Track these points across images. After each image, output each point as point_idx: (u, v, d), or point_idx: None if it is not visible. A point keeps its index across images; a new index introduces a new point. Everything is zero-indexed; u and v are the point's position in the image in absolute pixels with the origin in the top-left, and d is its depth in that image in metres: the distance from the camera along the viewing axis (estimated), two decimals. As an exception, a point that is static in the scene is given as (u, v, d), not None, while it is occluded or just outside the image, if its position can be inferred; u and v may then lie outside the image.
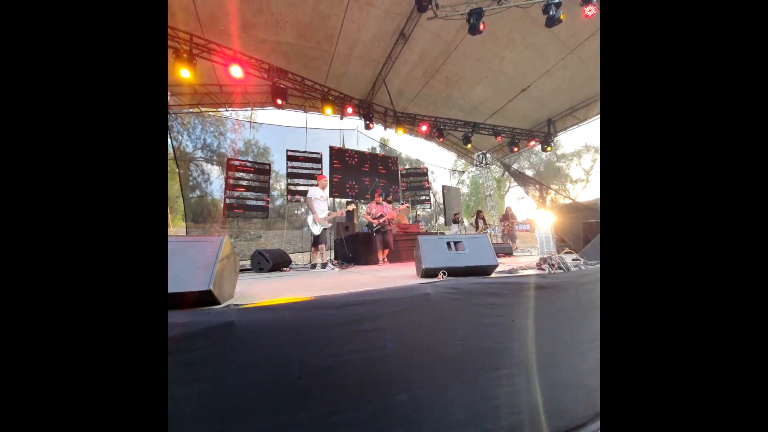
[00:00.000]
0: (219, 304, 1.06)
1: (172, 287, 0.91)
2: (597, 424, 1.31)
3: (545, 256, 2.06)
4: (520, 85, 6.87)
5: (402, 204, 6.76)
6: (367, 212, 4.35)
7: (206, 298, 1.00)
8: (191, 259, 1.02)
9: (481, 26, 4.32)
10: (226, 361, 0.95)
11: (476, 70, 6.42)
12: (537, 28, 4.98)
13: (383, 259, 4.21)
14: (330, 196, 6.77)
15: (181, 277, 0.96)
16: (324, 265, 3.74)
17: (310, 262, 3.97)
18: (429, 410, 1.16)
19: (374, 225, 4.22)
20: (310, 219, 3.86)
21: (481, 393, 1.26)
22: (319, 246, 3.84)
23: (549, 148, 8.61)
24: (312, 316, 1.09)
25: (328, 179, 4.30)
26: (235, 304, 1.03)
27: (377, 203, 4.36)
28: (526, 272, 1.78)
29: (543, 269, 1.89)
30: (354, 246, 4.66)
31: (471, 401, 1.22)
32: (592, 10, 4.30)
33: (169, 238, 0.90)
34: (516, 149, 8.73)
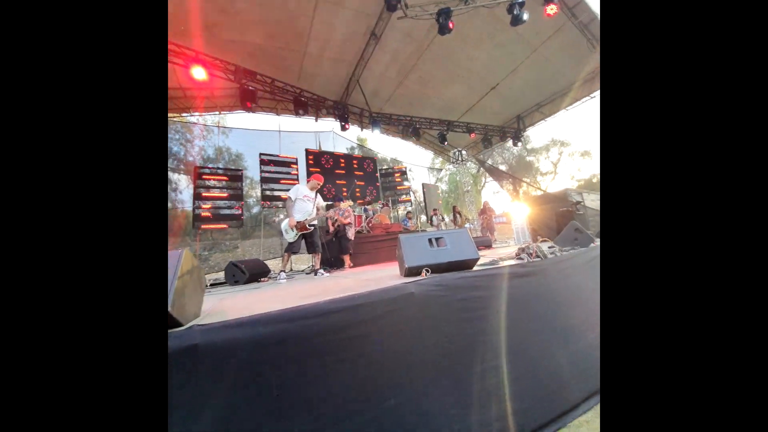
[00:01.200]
0: (181, 325, 0.95)
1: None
2: (582, 409, 1.35)
3: (523, 246, 2.11)
4: (490, 83, 7.11)
5: (382, 204, 6.73)
6: (342, 217, 4.23)
7: (165, 320, 0.90)
8: (145, 277, 0.90)
9: (450, 25, 4.40)
10: (192, 388, 0.85)
11: (448, 70, 6.54)
12: (503, 28, 5.16)
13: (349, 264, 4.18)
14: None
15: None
16: (279, 273, 3.31)
17: (312, 266, 3.67)
18: (418, 412, 1.12)
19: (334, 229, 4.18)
20: (284, 224, 3.40)
21: (468, 387, 1.24)
22: (285, 254, 3.48)
23: (520, 143, 8.99)
24: (290, 329, 1.01)
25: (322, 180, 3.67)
26: (199, 325, 0.93)
27: (339, 208, 4.24)
28: (506, 263, 1.80)
29: (522, 258, 1.92)
30: (336, 250, 4.55)
31: (459, 396, 1.20)
32: (553, 9, 4.51)
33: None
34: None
